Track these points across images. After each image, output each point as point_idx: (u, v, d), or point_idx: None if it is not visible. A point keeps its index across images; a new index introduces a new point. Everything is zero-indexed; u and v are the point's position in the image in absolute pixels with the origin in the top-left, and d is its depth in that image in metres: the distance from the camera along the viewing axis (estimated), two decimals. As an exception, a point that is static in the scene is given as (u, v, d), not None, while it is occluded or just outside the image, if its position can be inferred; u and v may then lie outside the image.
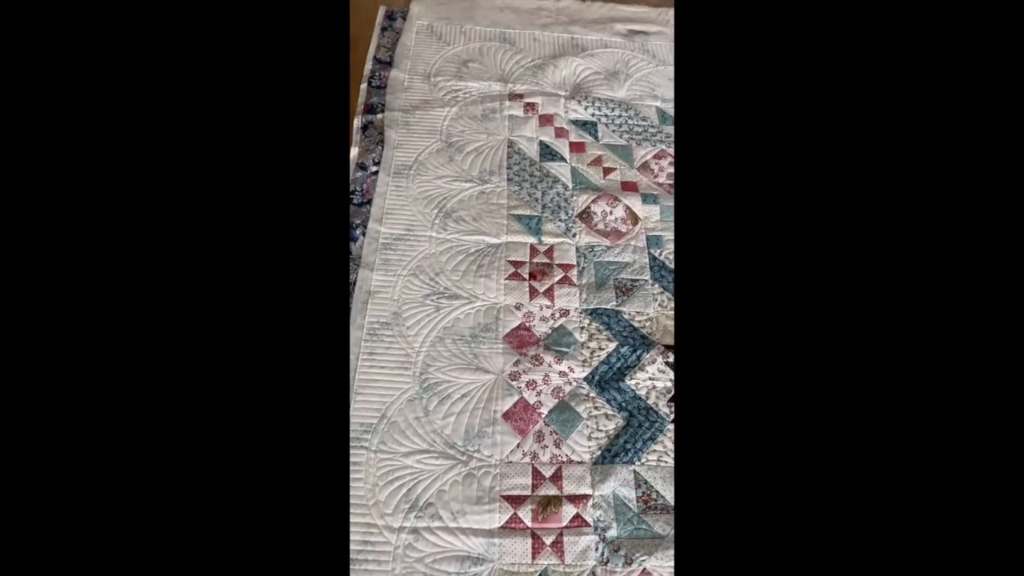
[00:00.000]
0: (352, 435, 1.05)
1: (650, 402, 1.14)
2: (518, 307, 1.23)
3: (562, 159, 1.49)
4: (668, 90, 1.70)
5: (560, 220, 1.37)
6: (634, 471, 1.06)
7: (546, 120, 1.56)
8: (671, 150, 1.55)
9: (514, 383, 1.14)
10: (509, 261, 1.30)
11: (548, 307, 1.24)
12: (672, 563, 0.97)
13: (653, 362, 1.18)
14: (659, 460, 1.08)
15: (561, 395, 1.13)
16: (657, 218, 1.40)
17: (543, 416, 1.11)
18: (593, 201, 1.41)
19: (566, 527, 1.00)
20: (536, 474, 1.05)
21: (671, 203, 1.42)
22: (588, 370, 1.17)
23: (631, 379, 1.16)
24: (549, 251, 1.32)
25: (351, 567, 0.94)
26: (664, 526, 1.01)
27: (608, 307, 1.25)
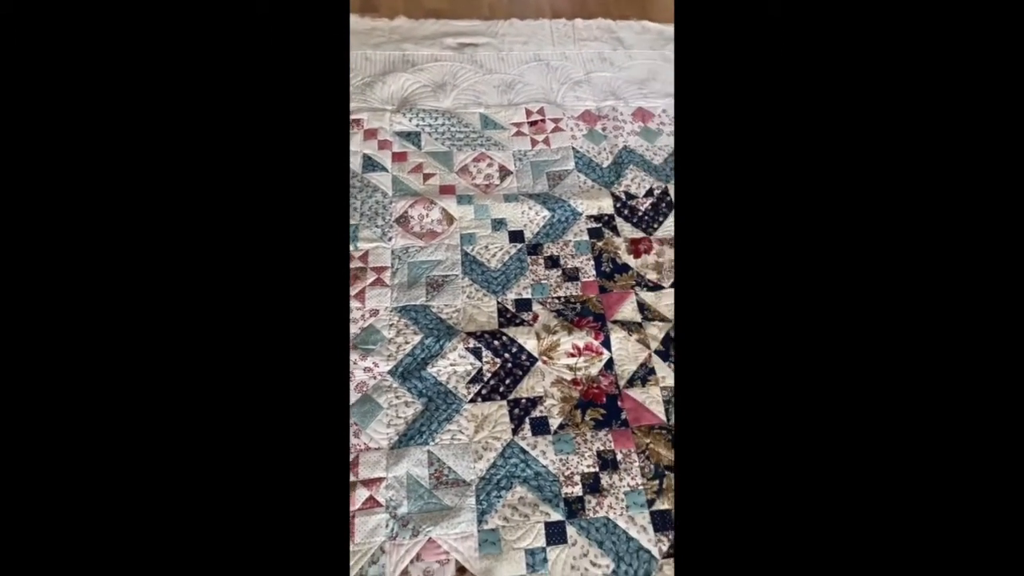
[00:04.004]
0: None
1: (450, 386, 1.22)
2: (329, 311, 1.30)
3: (384, 169, 1.57)
4: (492, 96, 1.80)
5: (376, 226, 1.45)
6: (428, 451, 1.14)
7: (370, 134, 1.64)
8: (490, 152, 1.64)
9: (318, 382, 1.20)
10: (324, 269, 1.36)
11: (358, 309, 1.31)
12: (456, 531, 1.05)
13: (455, 349, 1.26)
14: (452, 439, 1.16)
15: (364, 389, 1.21)
16: (471, 217, 1.49)
17: (345, 410, 1.18)
18: (411, 206, 1.49)
19: (359, 509, 1.07)
20: (333, 464, 1.11)
21: (485, 202, 1.52)
22: (393, 363, 1.24)
23: (433, 367, 1.24)
24: (364, 256, 1.40)
25: None
26: (453, 498, 1.09)
27: (417, 303, 1.33)
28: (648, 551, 1.06)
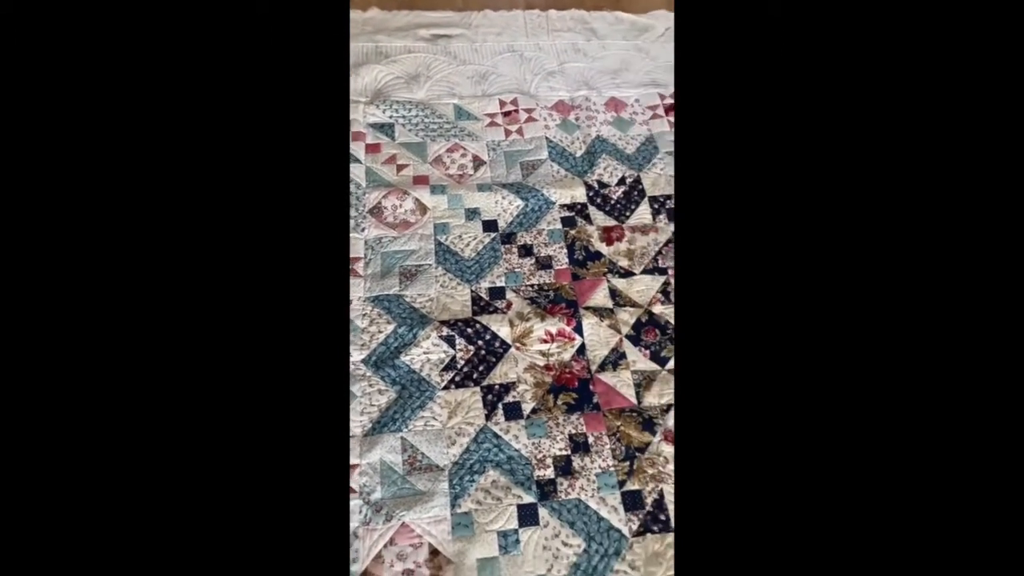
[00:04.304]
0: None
1: (423, 374, 1.23)
2: (303, 302, 1.31)
3: (357, 161, 1.57)
4: (466, 88, 1.81)
5: (350, 217, 1.45)
6: (401, 437, 1.15)
7: (344, 126, 1.64)
8: (464, 143, 1.65)
9: (292, 372, 1.21)
10: (297, 260, 1.37)
11: (332, 299, 1.32)
12: (429, 515, 1.06)
13: (428, 337, 1.27)
14: (426, 425, 1.17)
15: (338, 378, 1.21)
16: (445, 207, 1.50)
17: (319, 399, 1.18)
18: (384, 197, 1.50)
19: (332, 496, 1.08)
20: (307, 452, 1.12)
21: (459, 192, 1.52)
22: (366, 352, 1.25)
23: (406, 355, 1.25)
24: (337, 247, 1.40)
25: None
26: (427, 483, 1.10)
27: (391, 293, 1.34)
28: (619, 530, 1.08)
